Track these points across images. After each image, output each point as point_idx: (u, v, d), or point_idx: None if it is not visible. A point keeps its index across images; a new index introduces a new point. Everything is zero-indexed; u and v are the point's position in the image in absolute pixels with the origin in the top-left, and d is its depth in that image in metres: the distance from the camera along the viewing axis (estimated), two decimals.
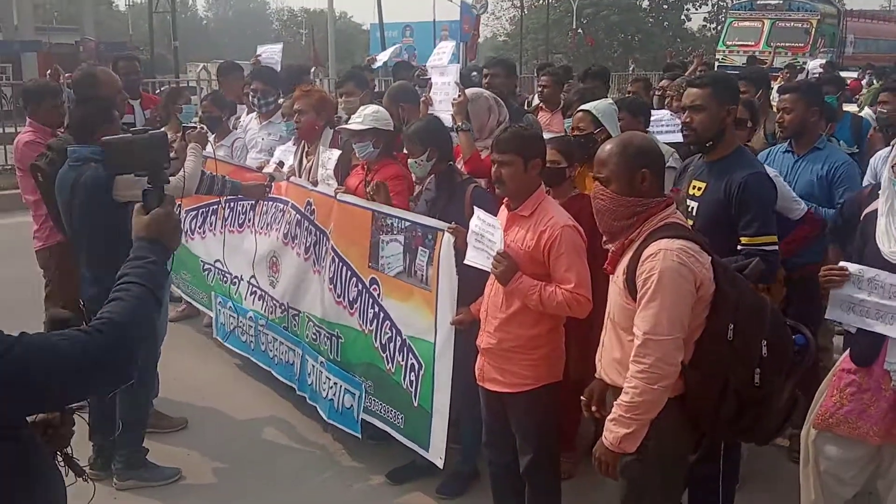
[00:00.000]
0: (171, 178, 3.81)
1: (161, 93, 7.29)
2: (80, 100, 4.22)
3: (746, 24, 22.59)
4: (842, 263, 2.93)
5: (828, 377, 3.05)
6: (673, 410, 2.52)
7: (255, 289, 5.03)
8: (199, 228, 5.63)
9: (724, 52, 21.95)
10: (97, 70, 4.69)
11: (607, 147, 2.66)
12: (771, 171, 3.66)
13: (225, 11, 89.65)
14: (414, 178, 4.03)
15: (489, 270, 3.11)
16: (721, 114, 3.22)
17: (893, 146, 2.93)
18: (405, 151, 4.01)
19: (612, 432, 2.53)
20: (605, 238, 2.71)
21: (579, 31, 48.05)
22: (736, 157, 3.27)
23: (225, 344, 5.39)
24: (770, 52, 19.89)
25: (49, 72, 9.51)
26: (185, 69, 31.94)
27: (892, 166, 2.83)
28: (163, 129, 2.10)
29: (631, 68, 27.15)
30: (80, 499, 1.94)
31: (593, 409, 2.79)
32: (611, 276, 2.70)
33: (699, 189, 3.28)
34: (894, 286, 2.75)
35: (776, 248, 3.18)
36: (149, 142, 2.11)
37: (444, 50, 6.61)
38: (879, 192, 2.93)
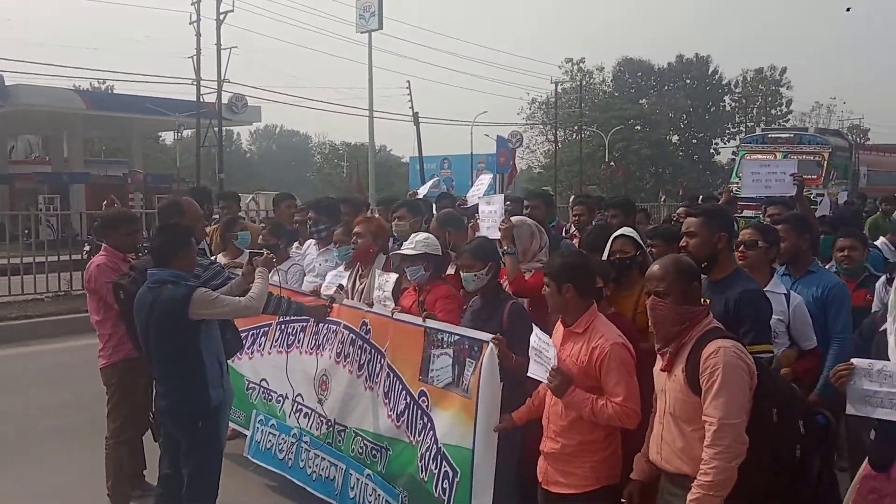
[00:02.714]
0: (240, 299, 4.11)
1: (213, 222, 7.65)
2: (163, 226, 4.46)
3: (759, 156, 22.70)
4: (852, 360, 3.09)
5: (852, 485, 3.19)
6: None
7: (300, 406, 5.21)
8: (248, 349, 5.77)
9: (737, 183, 22.16)
10: (182, 199, 4.91)
11: (663, 265, 3.08)
12: (795, 299, 4.11)
13: (269, 145, 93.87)
14: (462, 293, 4.34)
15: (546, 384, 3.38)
16: (712, 240, 3.64)
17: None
18: (453, 271, 4.30)
19: None
20: (658, 343, 3.07)
21: (611, 163, 49.46)
22: (734, 277, 3.67)
23: (257, 462, 5.46)
24: None
25: (105, 203, 10.11)
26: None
27: None
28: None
29: (662, 199, 27.71)
30: None
31: None
32: (666, 375, 3.02)
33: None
34: None
35: (772, 356, 3.53)
36: None
37: (483, 182, 7.17)
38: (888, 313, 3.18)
